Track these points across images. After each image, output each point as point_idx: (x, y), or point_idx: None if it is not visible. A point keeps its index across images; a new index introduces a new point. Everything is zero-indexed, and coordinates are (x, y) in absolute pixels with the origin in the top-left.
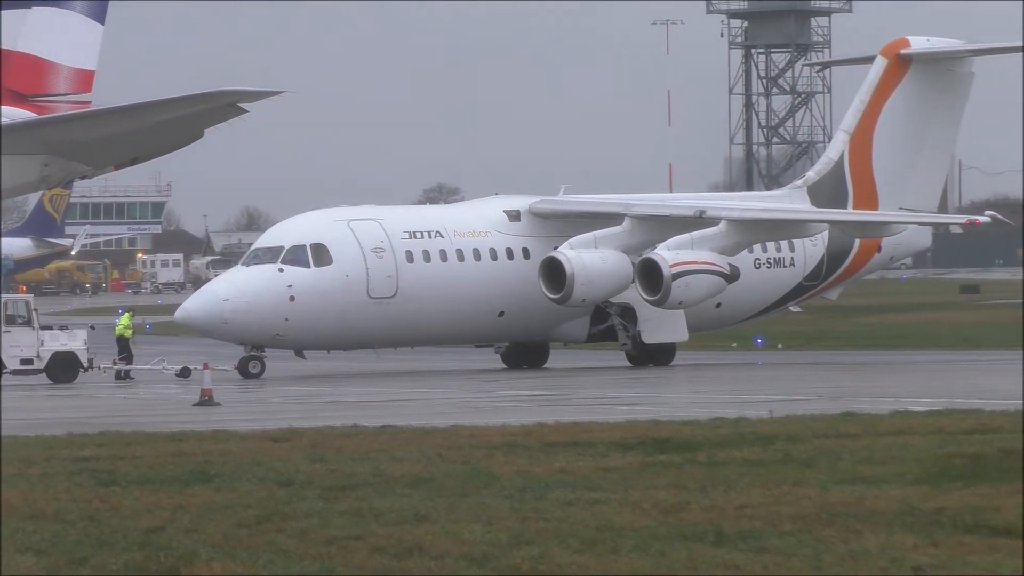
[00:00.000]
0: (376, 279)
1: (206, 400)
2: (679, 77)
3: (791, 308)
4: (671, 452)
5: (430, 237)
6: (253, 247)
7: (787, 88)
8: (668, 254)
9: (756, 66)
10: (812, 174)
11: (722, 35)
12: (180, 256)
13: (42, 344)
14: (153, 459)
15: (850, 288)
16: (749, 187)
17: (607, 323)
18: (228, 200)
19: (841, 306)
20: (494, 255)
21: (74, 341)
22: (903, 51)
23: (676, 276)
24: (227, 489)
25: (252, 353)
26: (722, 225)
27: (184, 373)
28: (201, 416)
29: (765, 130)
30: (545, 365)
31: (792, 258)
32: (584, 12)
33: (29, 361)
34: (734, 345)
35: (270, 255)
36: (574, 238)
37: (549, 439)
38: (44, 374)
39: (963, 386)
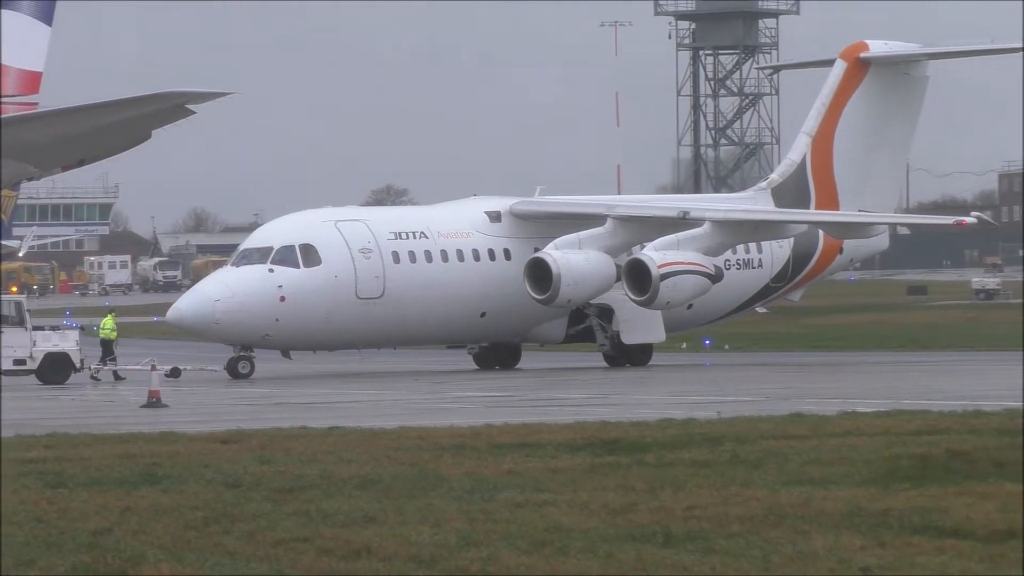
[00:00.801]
0: (364, 280)
1: (154, 402)
2: (627, 79)
3: (758, 309)
4: (620, 453)
5: (415, 238)
6: (242, 247)
7: (735, 90)
8: (656, 255)
9: (704, 68)
10: (776, 176)
11: (670, 37)
12: (128, 258)
13: (34, 345)
14: (101, 461)
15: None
16: (697, 189)
17: (584, 324)
18: (176, 202)
19: (789, 307)
20: (477, 256)
21: (66, 341)
22: (862, 55)
23: (664, 276)
24: (175, 491)
25: (241, 353)
26: (706, 226)
27: (174, 373)
28: (149, 418)
29: (713, 132)
30: (518, 366)
31: (760, 259)
32: (531, 13)
33: (22, 362)
34: (683, 346)
35: (259, 255)
36: (559, 239)
37: (497, 440)
38: (33, 375)
39: (910, 387)
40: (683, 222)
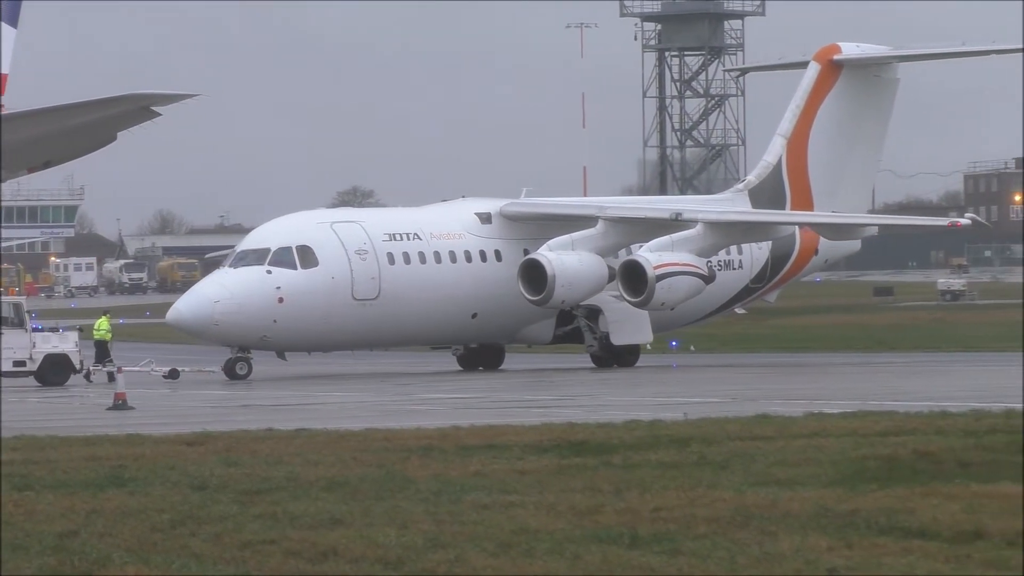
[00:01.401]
0: (360, 281)
1: (120, 404)
2: (593, 80)
3: (737, 310)
4: (586, 455)
5: (409, 239)
6: (239, 249)
7: (701, 91)
8: (651, 256)
9: (670, 69)
10: (752, 178)
11: (636, 38)
12: (93, 260)
13: (34, 346)
14: (67, 463)
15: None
16: (663, 190)
17: (572, 325)
18: (141, 204)
19: (755, 309)
20: (468, 257)
21: (65, 343)
22: (835, 57)
23: (660, 278)
24: (141, 493)
25: (239, 355)
26: (699, 227)
27: (173, 374)
28: (115, 420)
29: (679, 133)
30: (501, 367)
31: (740, 261)
32: (497, 15)
33: (22, 363)
34: (647, 347)
35: (256, 257)
36: (552, 240)
37: (464, 442)
38: (31, 377)
39: (877, 388)
40: (674, 223)
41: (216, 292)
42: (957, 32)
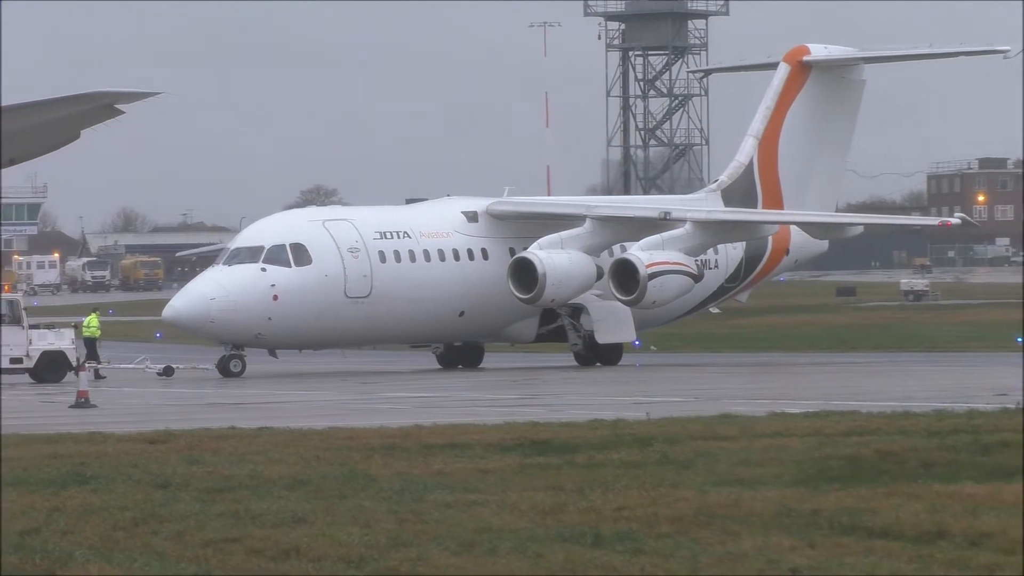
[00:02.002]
0: (353, 279)
1: (82, 402)
2: (557, 79)
3: (711, 309)
4: (549, 454)
5: (399, 237)
6: (232, 247)
7: (664, 91)
8: (643, 254)
9: (633, 68)
10: (725, 178)
11: (599, 37)
12: (56, 258)
13: (30, 343)
14: (29, 461)
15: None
16: (627, 190)
17: (556, 323)
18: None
19: (724, 308)
20: (457, 256)
21: (61, 340)
22: (805, 58)
23: (651, 276)
24: (103, 491)
25: (233, 352)
26: (688, 226)
27: (167, 372)
28: (77, 418)
29: (642, 132)
30: (480, 365)
31: (716, 260)
32: (461, 14)
33: (19, 360)
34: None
35: (250, 255)
36: (542, 239)
37: (427, 441)
38: (27, 374)
39: (840, 388)
40: (661, 223)
41: (212, 289)
42: (915, 33)
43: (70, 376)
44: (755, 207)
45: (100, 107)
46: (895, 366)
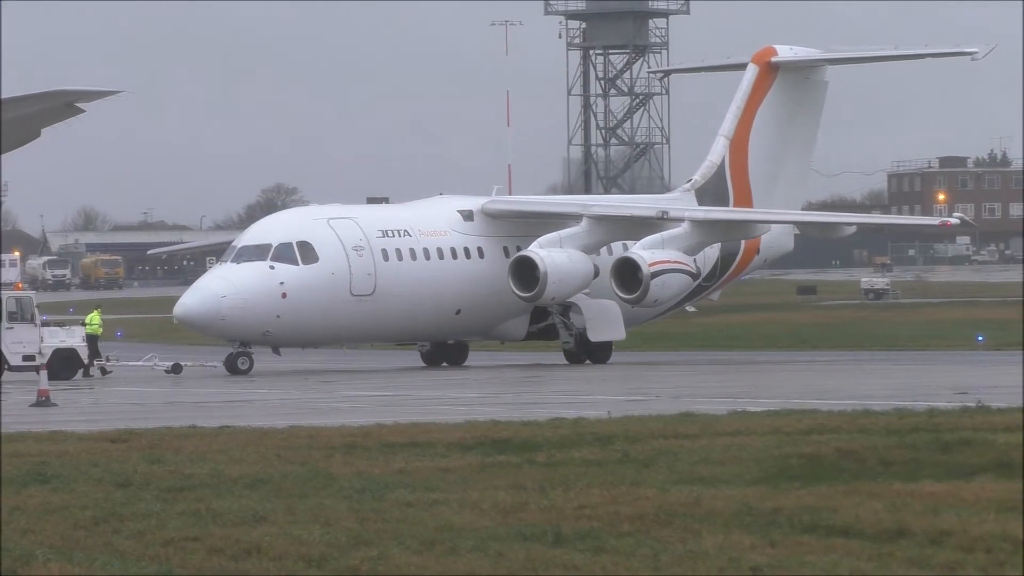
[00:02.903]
0: (358, 277)
1: (43, 401)
2: (518, 78)
3: (688, 308)
4: (510, 452)
5: (400, 236)
6: (239, 244)
7: (625, 90)
8: (646, 253)
9: (594, 67)
10: (698, 177)
11: (560, 36)
12: (16, 256)
13: (42, 341)
14: None
15: None
16: (587, 188)
17: (546, 322)
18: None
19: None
20: (454, 254)
21: (73, 338)
22: (773, 59)
23: (654, 275)
24: (64, 490)
25: (240, 350)
26: (686, 225)
27: (176, 369)
28: (38, 417)
29: (603, 131)
30: (465, 363)
31: (694, 259)
32: (423, 13)
33: (31, 357)
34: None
35: (258, 252)
36: (542, 237)
37: (388, 440)
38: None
39: (800, 386)
40: (657, 222)
41: (222, 287)
42: (874, 32)
43: (82, 373)
44: (727, 206)
45: (61, 105)
46: (855, 364)
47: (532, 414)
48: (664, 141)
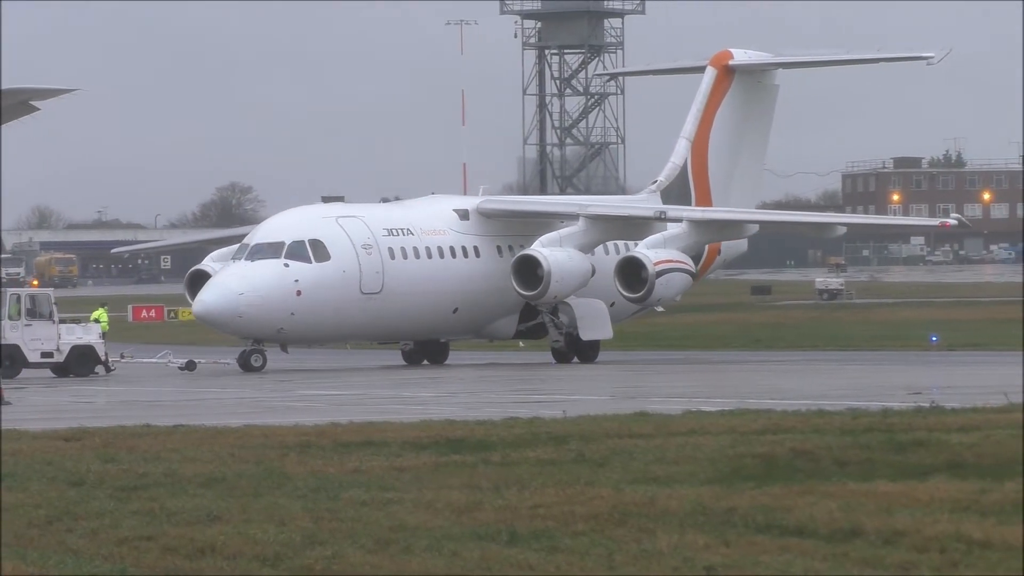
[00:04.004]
0: (367, 275)
1: None
2: (473, 77)
3: (657, 308)
4: (465, 452)
5: (404, 235)
6: (253, 242)
7: (580, 89)
8: (651, 252)
9: (550, 67)
10: (663, 179)
11: (516, 36)
12: None
13: (60, 337)
14: None
15: None
16: (543, 188)
17: (535, 320)
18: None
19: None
20: (453, 253)
21: (89, 334)
22: (730, 62)
23: (659, 274)
24: (18, 489)
25: (253, 347)
26: (684, 225)
27: (190, 366)
28: None
29: (559, 131)
30: (446, 362)
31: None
32: (376, 11)
33: (49, 354)
34: (521, 344)
35: (272, 250)
36: (543, 237)
37: (343, 439)
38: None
39: (755, 386)
40: (651, 222)
41: (240, 284)
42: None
43: (100, 370)
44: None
45: (15, 104)
46: (810, 364)
47: (487, 414)
48: (619, 141)
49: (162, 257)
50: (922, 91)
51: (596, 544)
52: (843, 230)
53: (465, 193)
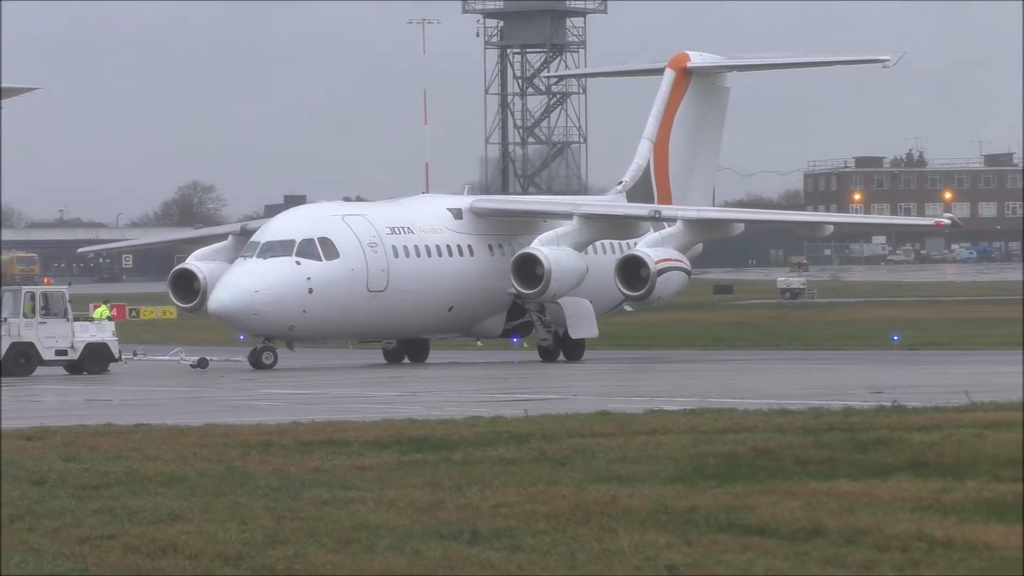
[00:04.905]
0: (374, 273)
1: None
2: (435, 76)
3: (626, 308)
4: (427, 451)
5: (405, 233)
6: (263, 240)
7: (543, 88)
8: (651, 251)
9: (512, 66)
10: (628, 179)
11: (478, 35)
12: None
13: (74, 335)
14: None
15: None
16: (505, 187)
17: (522, 319)
18: None
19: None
20: (449, 251)
21: (103, 332)
22: (688, 65)
23: (660, 272)
24: None
25: (264, 344)
26: (679, 224)
27: (202, 364)
28: None
29: (521, 130)
30: (427, 360)
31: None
32: (339, 11)
33: (64, 352)
34: (479, 344)
35: (283, 248)
36: (542, 235)
37: (305, 438)
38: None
39: (717, 385)
40: (641, 221)
41: (255, 282)
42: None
43: (113, 367)
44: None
45: None
46: (772, 364)
47: (449, 413)
48: (581, 140)
49: (124, 256)
50: (884, 91)
51: (558, 543)
52: (831, 229)
53: (427, 190)
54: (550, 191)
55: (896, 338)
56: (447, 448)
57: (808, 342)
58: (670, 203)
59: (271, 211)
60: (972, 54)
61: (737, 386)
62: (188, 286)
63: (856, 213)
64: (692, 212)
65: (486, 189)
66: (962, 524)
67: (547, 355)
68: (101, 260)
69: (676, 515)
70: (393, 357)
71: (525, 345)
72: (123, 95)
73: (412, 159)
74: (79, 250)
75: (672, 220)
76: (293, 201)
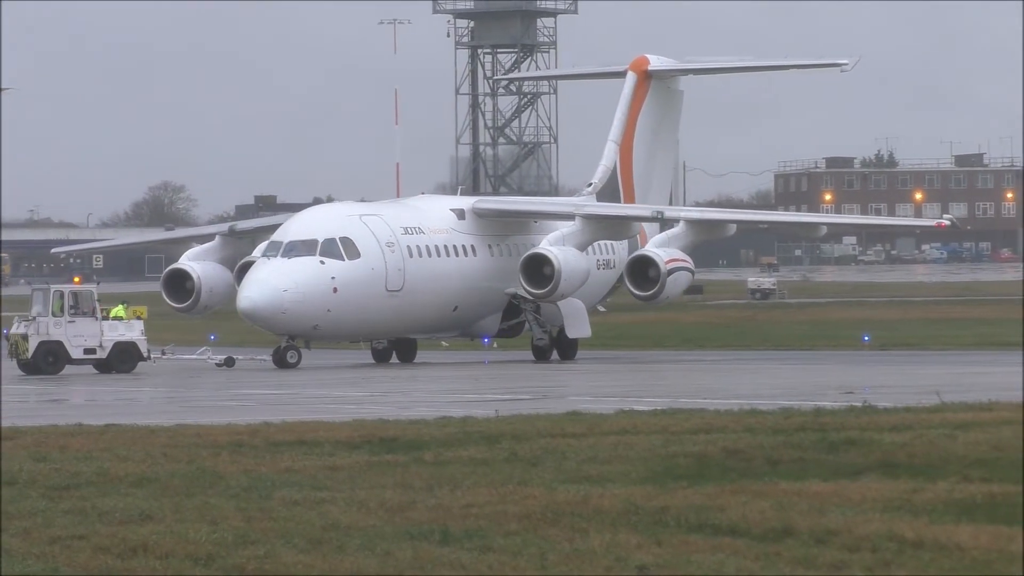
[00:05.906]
0: (391, 272)
1: None
2: (406, 77)
3: (599, 308)
4: (398, 451)
5: (417, 233)
6: (286, 240)
7: (513, 89)
8: (661, 251)
9: (483, 66)
10: (597, 181)
11: (449, 35)
12: None
13: (103, 334)
14: None
15: None
16: (476, 188)
17: (517, 319)
18: None
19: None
20: (456, 251)
21: (132, 331)
22: (649, 68)
23: (669, 272)
24: None
25: (288, 343)
26: (681, 225)
27: (229, 363)
28: None
29: (492, 130)
30: (415, 360)
31: (614, 260)
32: (310, 11)
33: (92, 351)
34: (444, 344)
35: (306, 248)
36: (550, 235)
37: (275, 438)
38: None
39: (687, 386)
40: (634, 222)
41: (283, 281)
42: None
43: (141, 366)
44: None
45: None
46: (742, 364)
47: (419, 413)
48: (552, 140)
49: (94, 256)
50: (854, 92)
51: (529, 543)
52: (825, 230)
53: (399, 195)
54: (521, 191)
55: (867, 338)
56: (418, 448)
57: (778, 342)
58: (634, 203)
59: (243, 211)
60: (942, 54)
61: (708, 386)
62: (180, 286)
63: (829, 213)
64: (695, 213)
65: (455, 190)
66: (932, 524)
67: (541, 354)
68: (72, 260)
69: (647, 515)
70: (381, 357)
71: (495, 345)
72: (93, 95)
73: (383, 159)
74: (53, 250)
75: (675, 221)
76: (263, 201)
